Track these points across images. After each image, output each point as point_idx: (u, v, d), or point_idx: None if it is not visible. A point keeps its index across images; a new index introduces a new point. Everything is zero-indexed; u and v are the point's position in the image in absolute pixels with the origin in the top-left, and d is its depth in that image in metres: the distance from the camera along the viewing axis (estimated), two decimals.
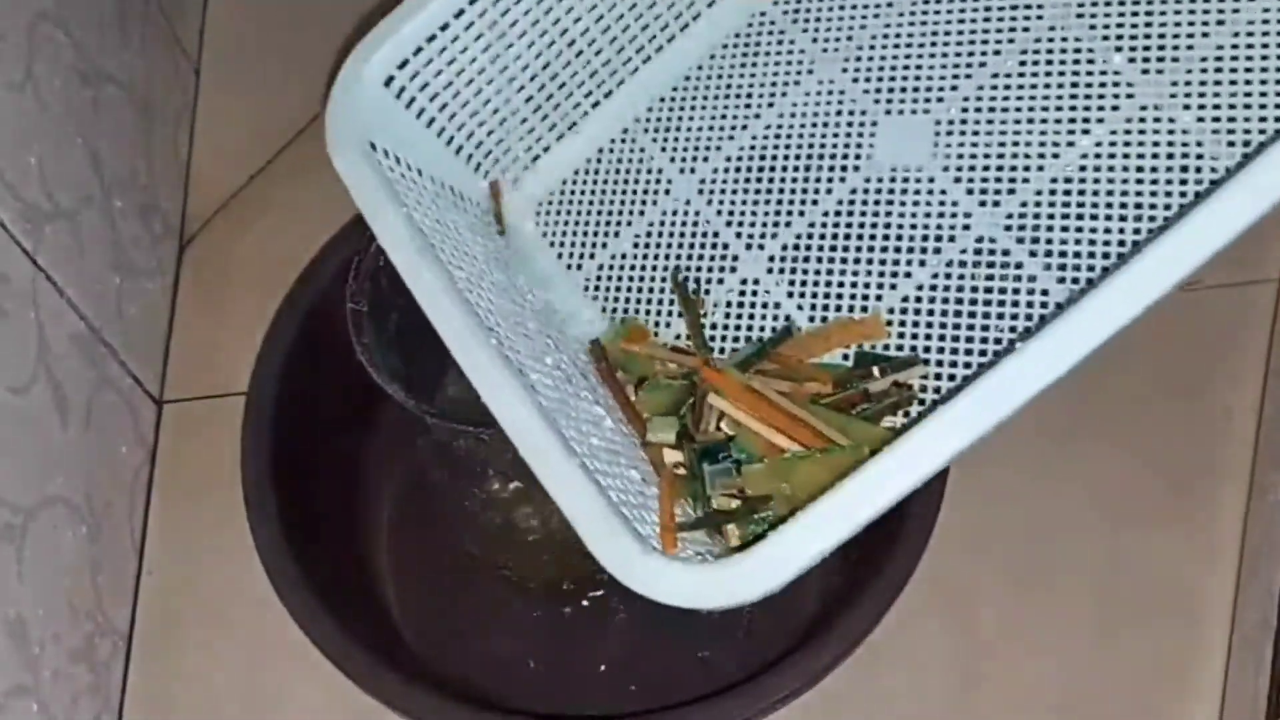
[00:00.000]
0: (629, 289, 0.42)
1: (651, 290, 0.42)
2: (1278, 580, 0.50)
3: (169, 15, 0.68)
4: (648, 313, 0.41)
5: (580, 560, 0.54)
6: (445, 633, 0.56)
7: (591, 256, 0.42)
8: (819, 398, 0.38)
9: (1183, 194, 0.37)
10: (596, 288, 0.42)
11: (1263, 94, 0.37)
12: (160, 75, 0.66)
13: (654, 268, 0.42)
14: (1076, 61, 0.38)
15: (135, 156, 0.62)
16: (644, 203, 0.42)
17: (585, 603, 0.56)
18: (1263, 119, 0.37)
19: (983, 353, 0.37)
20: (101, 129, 0.58)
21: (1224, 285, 0.60)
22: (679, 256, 0.41)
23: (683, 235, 0.41)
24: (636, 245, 0.42)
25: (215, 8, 0.72)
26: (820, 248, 0.40)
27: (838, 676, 0.49)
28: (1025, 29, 0.39)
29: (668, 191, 0.41)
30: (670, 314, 0.41)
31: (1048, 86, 0.38)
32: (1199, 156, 0.37)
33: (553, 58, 0.42)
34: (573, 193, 0.43)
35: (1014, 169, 0.38)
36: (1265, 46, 0.37)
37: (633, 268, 0.42)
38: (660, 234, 0.42)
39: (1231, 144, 0.37)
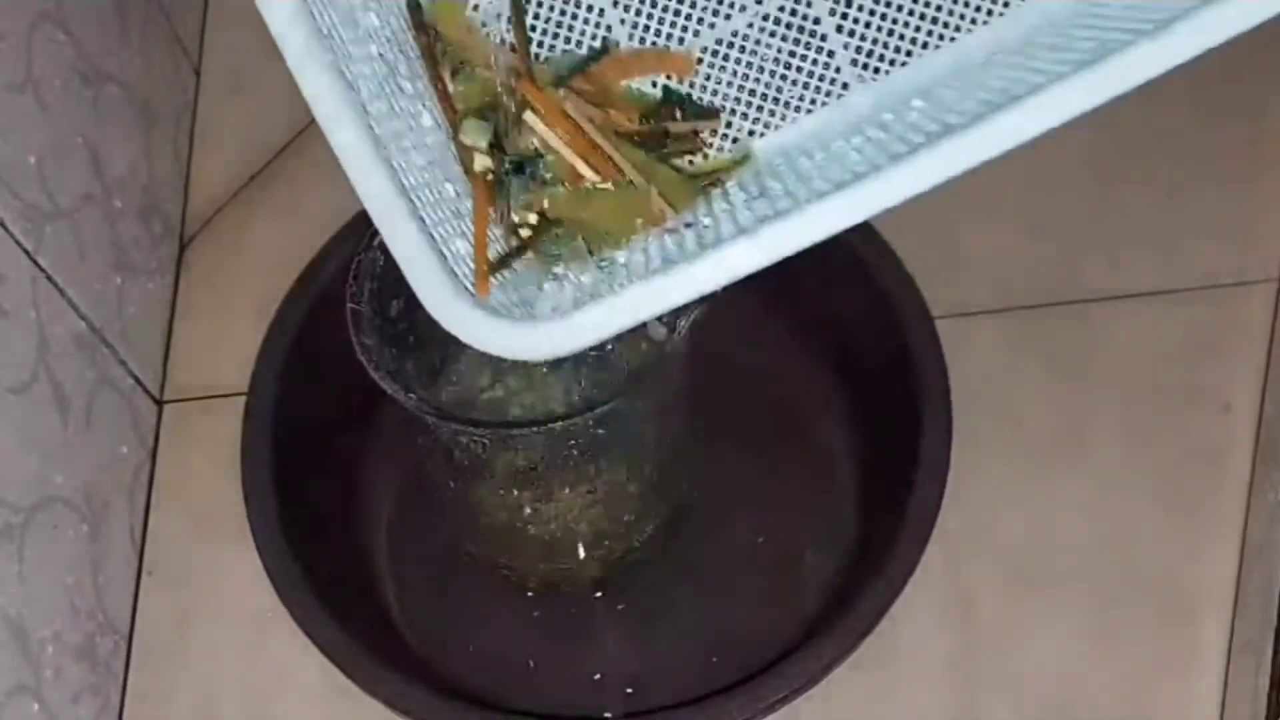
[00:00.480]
0: None
1: None
2: (1278, 580, 0.50)
3: (169, 15, 0.68)
4: None
5: (580, 560, 0.54)
6: (445, 633, 0.56)
7: None
8: (625, 131, 0.38)
9: (987, 17, 0.37)
10: None
11: None
12: (160, 75, 0.66)
13: None
14: None
15: (135, 156, 0.62)
16: None
17: (585, 603, 0.57)
18: None
19: (770, 114, 0.38)
20: (102, 129, 0.58)
21: (1224, 285, 0.60)
22: None
23: None
24: None
25: (215, 8, 0.72)
26: None
27: (838, 676, 0.49)
28: None
29: None
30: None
31: None
32: None
33: None
34: None
35: None
36: None
37: None
38: None
39: None
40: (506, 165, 0.36)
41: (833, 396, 0.59)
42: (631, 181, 0.36)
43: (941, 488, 0.51)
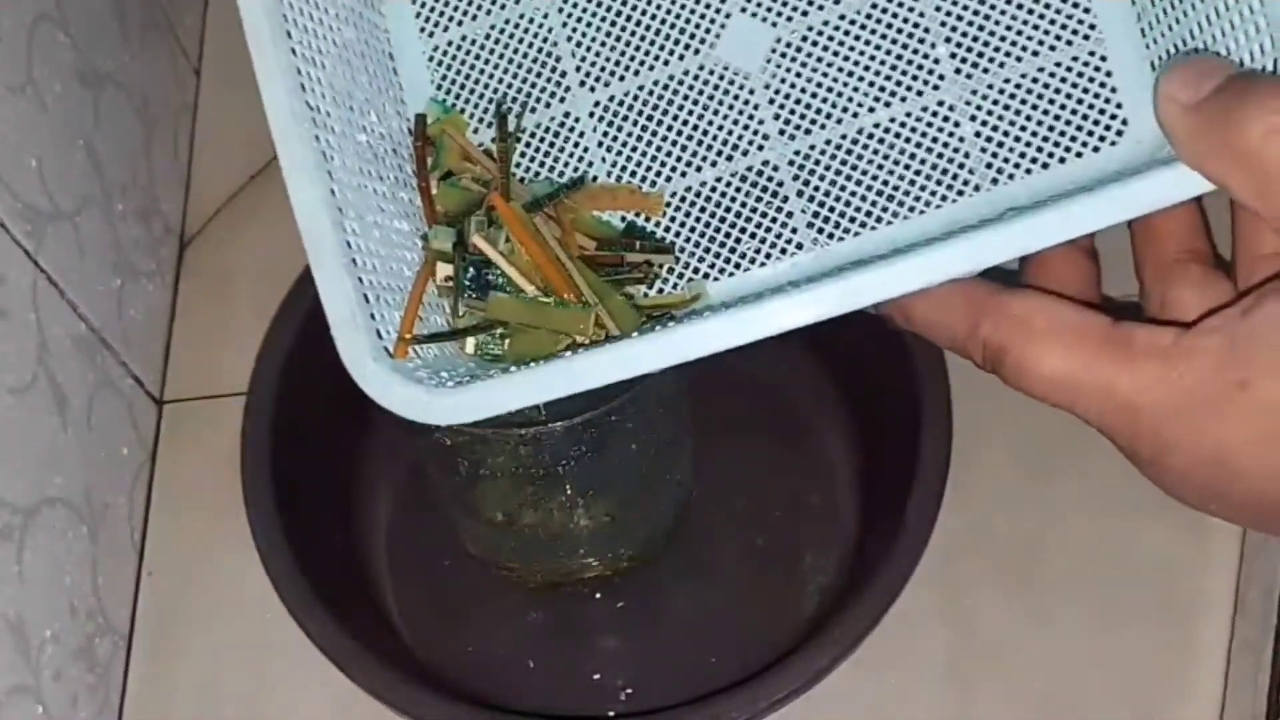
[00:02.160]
0: (466, 78, 0.42)
1: (485, 87, 0.42)
2: (1278, 580, 0.50)
3: (169, 15, 0.68)
4: (475, 108, 0.42)
5: (580, 560, 0.54)
6: (445, 633, 0.56)
7: (445, 30, 0.42)
8: (584, 252, 0.40)
9: (940, 202, 0.39)
10: (440, 63, 0.42)
11: (1044, 134, 0.39)
12: (160, 75, 0.66)
13: (496, 64, 0.42)
14: (911, 34, 0.40)
15: (135, 157, 0.62)
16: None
17: (585, 603, 0.57)
18: (1032, 160, 0.39)
19: (727, 263, 0.41)
20: (102, 130, 0.58)
21: None
22: (519, 64, 0.42)
23: (530, 44, 0.42)
24: (489, 35, 0.42)
25: (215, 8, 0.72)
26: (640, 112, 0.41)
27: (838, 676, 0.49)
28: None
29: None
30: (492, 118, 0.42)
31: (878, 47, 0.40)
32: (961, 168, 0.39)
33: None
34: None
35: (817, 111, 0.40)
36: (1076, 86, 0.39)
37: (477, 57, 0.42)
38: (512, 31, 0.42)
39: (992, 171, 0.39)
40: (466, 264, 0.39)
41: (833, 397, 0.59)
42: (579, 300, 0.38)
43: (941, 488, 0.51)
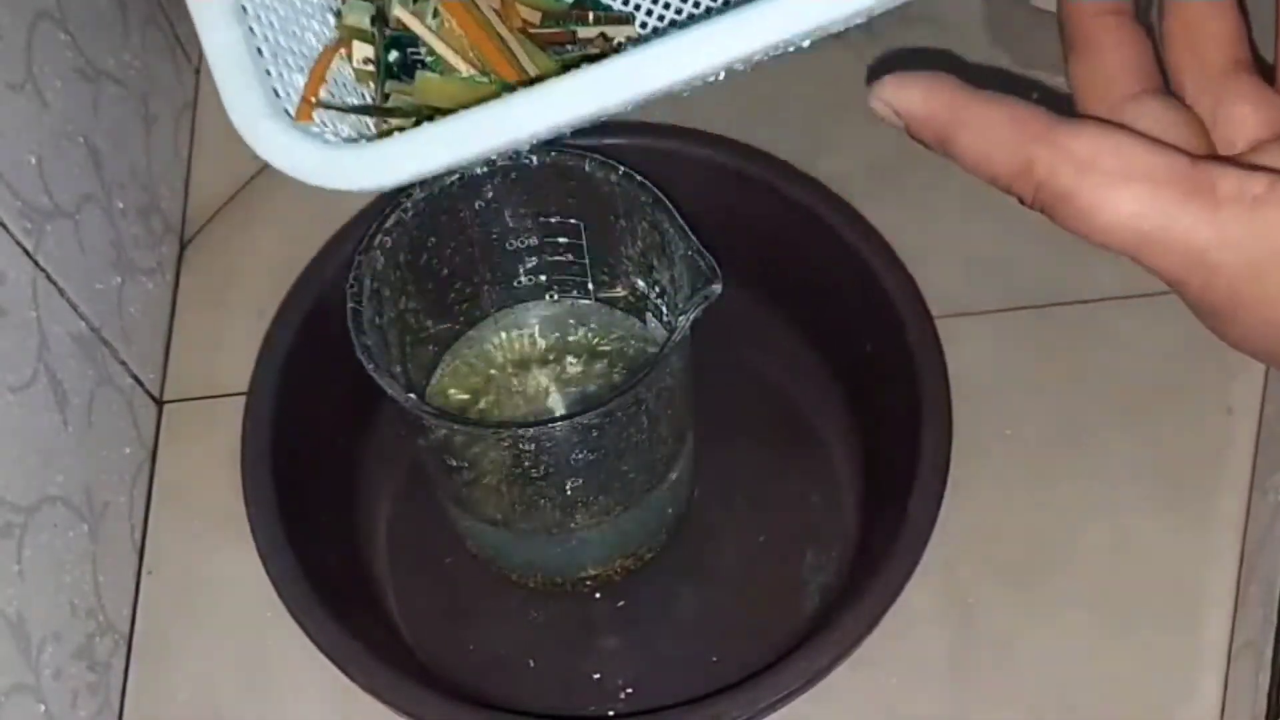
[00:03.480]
0: None
1: None
2: (1278, 580, 0.50)
3: (169, 15, 0.68)
4: None
5: (581, 560, 0.54)
6: (445, 633, 0.56)
7: None
8: (528, 26, 0.35)
9: None
10: None
11: None
12: (160, 73, 0.66)
13: None
14: None
15: (135, 156, 0.62)
16: None
17: (585, 603, 0.57)
18: None
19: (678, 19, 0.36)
20: (102, 128, 0.58)
21: None
22: None
23: None
24: None
25: None
26: None
27: (838, 676, 0.49)
28: None
29: None
30: None
31: None
32: None
33: None
34: None
35: None
36: None
37: None
38: None
39: None
40: (387, 43, 0.34)
41: (833, 396, 0.59)
42: (522, 80, 0.33)
43: (941, 488, 0.51)
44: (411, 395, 0.45)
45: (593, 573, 0.55)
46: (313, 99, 0.33)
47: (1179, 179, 0.29)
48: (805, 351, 0.60)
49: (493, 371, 0.54)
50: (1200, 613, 0.53)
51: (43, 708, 0.47)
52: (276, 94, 0.31)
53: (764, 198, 0.58)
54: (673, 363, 0.46)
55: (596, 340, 0.54)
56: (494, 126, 0.29)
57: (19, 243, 0.49)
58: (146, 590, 0.57)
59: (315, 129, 0.32)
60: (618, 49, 0.34)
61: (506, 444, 0.47)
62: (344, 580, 0.55)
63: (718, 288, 0.43)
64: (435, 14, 0.34)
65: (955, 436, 0.52)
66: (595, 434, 0.45)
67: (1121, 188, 0.29)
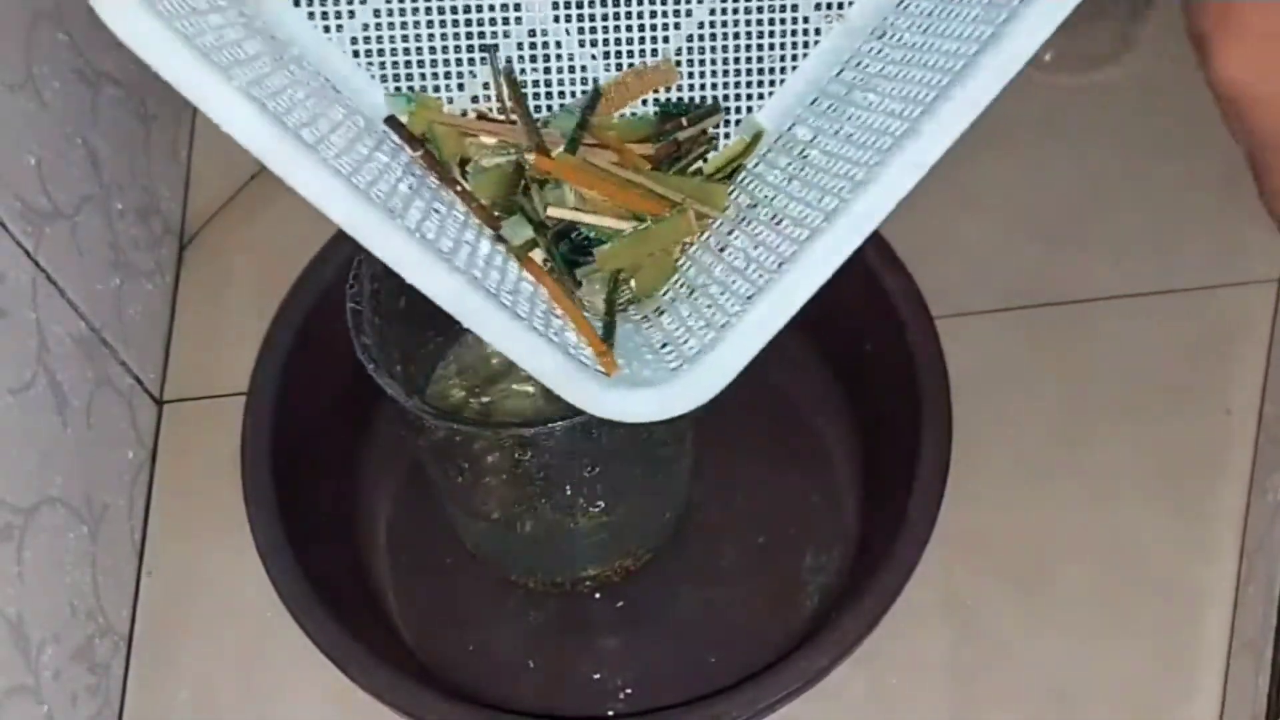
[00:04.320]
0: (404, 52, 0.37)
1: (432, 50, 0.37)
2: (1278, 580, 0.50)
3: None
4: (434, 77, 0.37)
5: (580, 560, 0.54)
6: (445, 633, 0.56)
7: (351, 15, 0.37)
8: (645, 162, 0.38)
9: None
10: (367, 53, 0.37)
11: None
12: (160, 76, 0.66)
13: (429, 23, 0.37)
14: None
15: (135, 156, 0.62)
16: None
17: (585, 603, 0.56)
18: None
19: (760, 84, 0.38)
20: (101, 129, 0.58)
21: (1224, 285, 0.60)
22: (454, 9, 0.37)
23: None
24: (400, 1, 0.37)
25: None
26: None
27: (838, 676, 0.49)
28: None
29: None
30: (461, 77, 0.37)
31: None
32: None
33: None
34: None
35: None
36: None
37: (403, 25, 0.37)
38: None
39: None
40: (550, 240, 0.36)
41: (833, 396, 0.59)
42: (669, 208, 0.36)
43: (941, 488, 0.51)
44: (412, 396, 0.45)
45: (593, 573, 0.55)
46: (602, 350, 0.35)
47: None
48: (805, 351, 0.60)
49: (492, 372, 0.54)
50: (1200, 613, 0.53)
51: (43, 709, 0.47)
52: (580, 362, 0.34)
53: None
54: None
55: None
56: (783, 302, 0.33)
57: (19, 243, 0.49)
58: (146, 590, 0.57)
59: (625, 370, 0.35)
60: (714, 140, 0.38)
61: (506, 444, 0.47)
62: (344, 580, 0.55)
63: None
64: (571, 191, 0.37)
65: (955, 436, 0.52)
66: (595, 434, 0.45)
67: (1240, 41, 0.30)
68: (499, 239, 0.37)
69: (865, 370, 0.57)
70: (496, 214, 0.38)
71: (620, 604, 0.56)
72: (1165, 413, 0.57)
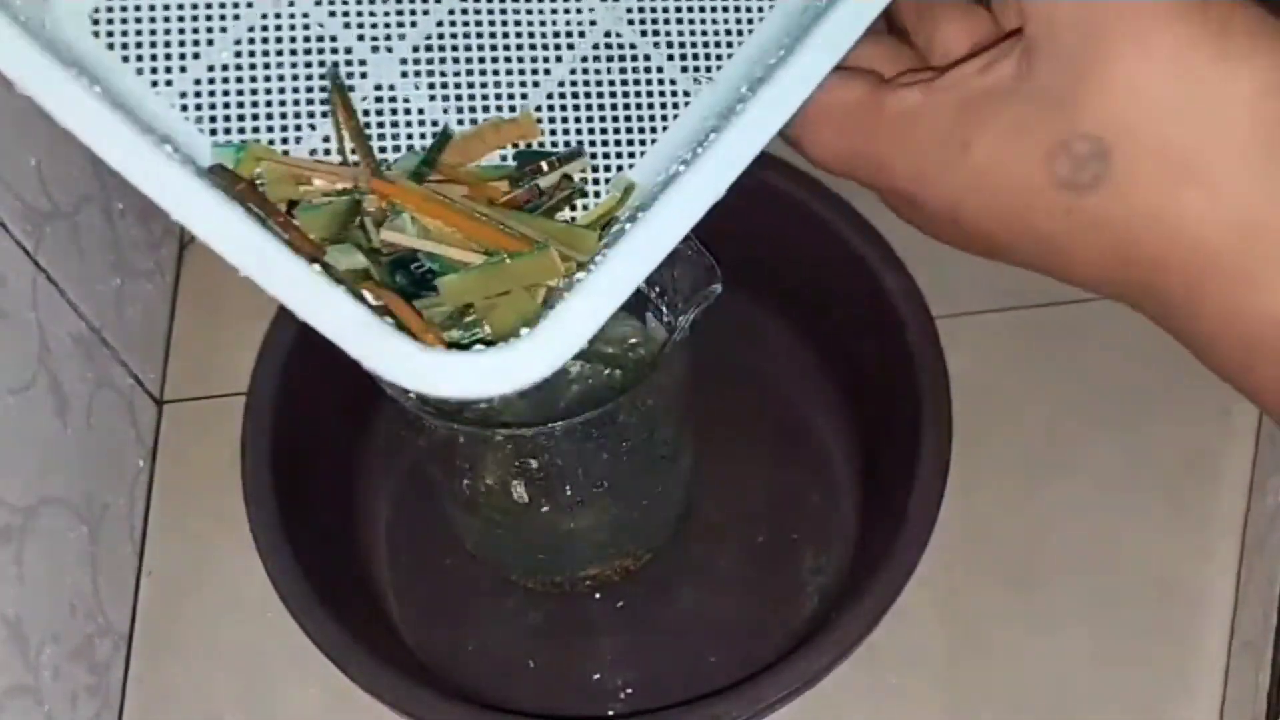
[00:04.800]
0: (237, 105, 0.36)
1: (269, 104, 0.36)
2: (1278, 580, 0.50)
3: None
4: (269, 130, 0.36)
5: (580, 560, 0.54)
6: (445, 633, 0.56)
7: (183, 70, 0.36)
8: (498, 199, 0.36)
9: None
10: (197, 107, 0.36)
11: None
12: None
13: (266, 78, 0.36)
14: None
15: None
16: (235, 6, 0.36)
17: (585, 603, 0.57)
18: None
19: (631, 145, 0.37)
20: None
21: None
22: (294, 65, 0.36)
23: (292, 40, 0.36)
24: (239, 54, 0.36)
25: None
26: (456, 46, 0.37)
27: (838, 676, 0.49)
28: None
29: None
30: (299, 129, 0.36)
31: None
32: None
33: None
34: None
35: None
36: None
37: (238, 80, 0.36)
38: (265, 39, 0.36)
39: None
40: (385, 267, 0.34)
41: (833, 396, 0.59)
42: (530, 245, 0.34)
43: (941, 488, 0.51)
44: (411, 395, 0.45)
45: (593, 573, 0.55)
46: (427, 325, 0.32)
47: (859, 105, 0.34)
48: (805, 351, 0.60)
49: None
50: (1200, 613, 0.53)
51: (42, 709, 0.47)
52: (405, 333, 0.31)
53: (764, 198, 0.58)
54: (673, 363, 0.46)
55: (596, 340, 0.54)
56: (645, 256, 0.31)
57: (19, 243, 0.49)
58: (146, 590, 0.57)
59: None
60: (582, 184, 0.36)
61: (506, 444, 0.47)
62: (344, 580, 0.55)
63: (718, 288, 0.43)
64: (414, 221, 0.34)
65: (955, 437, 0.52)
66: (595, 434, 0.45)
67: (820, 125, 0.34)
68: (324, 267, 0.34)
69: (865, 370, 0.57)
70: (324, 243, 0.35)
71: (620, 604, 0.56)
72: (1165, 412, 0.57)
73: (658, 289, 0.50)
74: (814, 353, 0.60)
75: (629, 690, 0.54)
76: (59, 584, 0.50)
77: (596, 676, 0.55)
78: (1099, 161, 0.30)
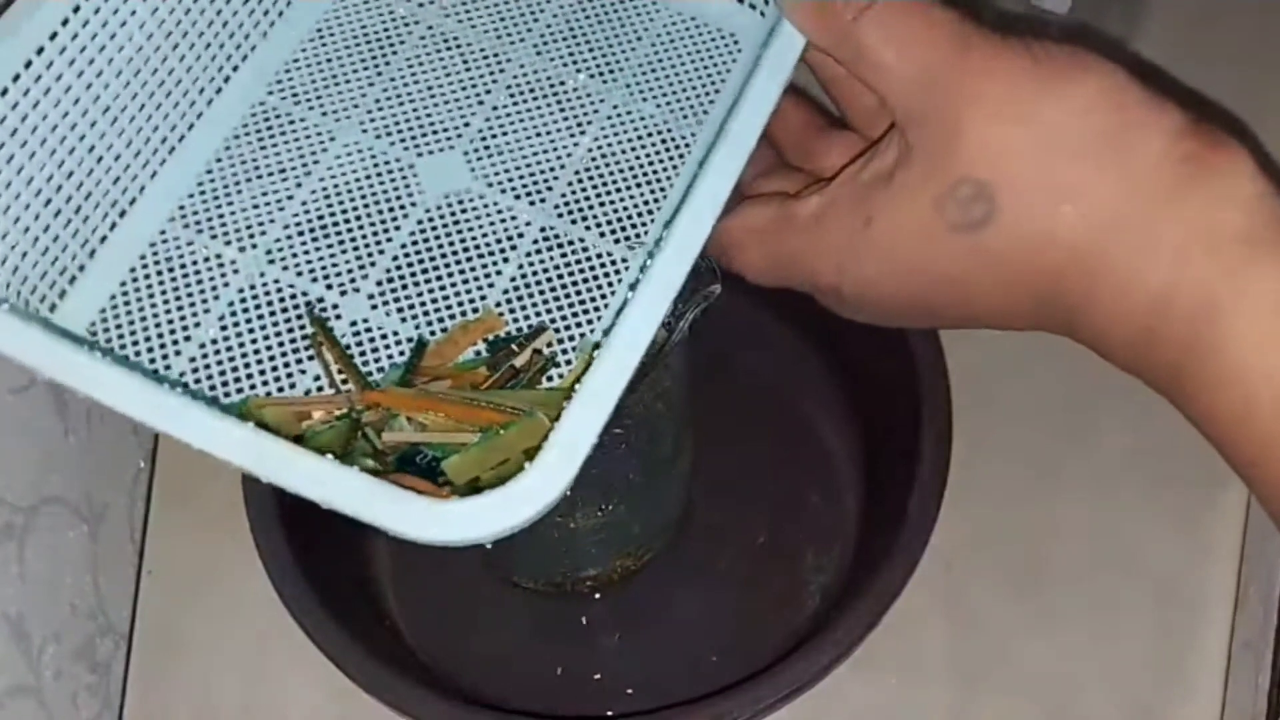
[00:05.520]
0: (231, 370, 0.40)
1: (260, 364, 0.40)
2: (1278, 580, 0.50)
3: None
4: (263, 385, 0.40)
5: (581, 560, 0.54)
6: (445, 633, 0.56)
7: (178, 353, 0.40)
8: (481, 385, 0.39)
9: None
10: (196, 381, 0.40)
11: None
12: None
13: (253, 340, 0.40)
14: (552, 85, 0.44)
15: None
16: (213, 289, 0.41)
17: (585, 603, 0.57)
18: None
19: (588, 315, 0.41)
20: None
21: None
22: (275, 324, 0.40)
23: (270, 305, 0.41)
24: (224, 327, 0.40)
25: None
26: (414, 272, 0.41)
27: (838, 676, 0.49)
28: (502, 69, 0.45)
29: (235, 271, 0.41)
30: (290, 375, 0.40)
31: (540, 109, 0.44)
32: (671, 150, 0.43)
33: (75, 166, 0.40)
34: (128, 304, 0.41)
35: (543, 172, 0.43)
36: None
37: (228, 348, 0.40)
38: (246, 311, 0.41)
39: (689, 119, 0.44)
40: (392, 466, 0.37)
41: (833, 396, 0.59)
42: (517, 415, 0.37)
43: (941, 488, 0.51)
44: None
45: (593, 573, 0.55)
46: (433, 489, 0.35)
47: (775, 222, 0.39)
48: (805, 351, 0.60)
49: None
50: (1200, 613, 0.53)
51: (43, 709, 0.48)
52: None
53: None
54: (673, 363, 0.46)
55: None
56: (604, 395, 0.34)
57: None
58: (146, 590, 0.57)
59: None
60: (552, 355, 0.40)
61: None
62: (344, 580, 0.55)
63: (718, 288, 0.43)
64: (410, 420, 0.37)
65: (955, 437, 0.52)
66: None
67: (746, 246, 0.40)
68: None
69: (865, 370, 0.57)
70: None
71: (621, 604, 0.56)
72: (1166, 412, 0.57)
73: None
74: (814, 353, 0.60)
75: (629, 690, 0.54)
76: (60, 583, 0.50)
77: (597, 676, 0.55)
78: (985, 201, 0.34)
